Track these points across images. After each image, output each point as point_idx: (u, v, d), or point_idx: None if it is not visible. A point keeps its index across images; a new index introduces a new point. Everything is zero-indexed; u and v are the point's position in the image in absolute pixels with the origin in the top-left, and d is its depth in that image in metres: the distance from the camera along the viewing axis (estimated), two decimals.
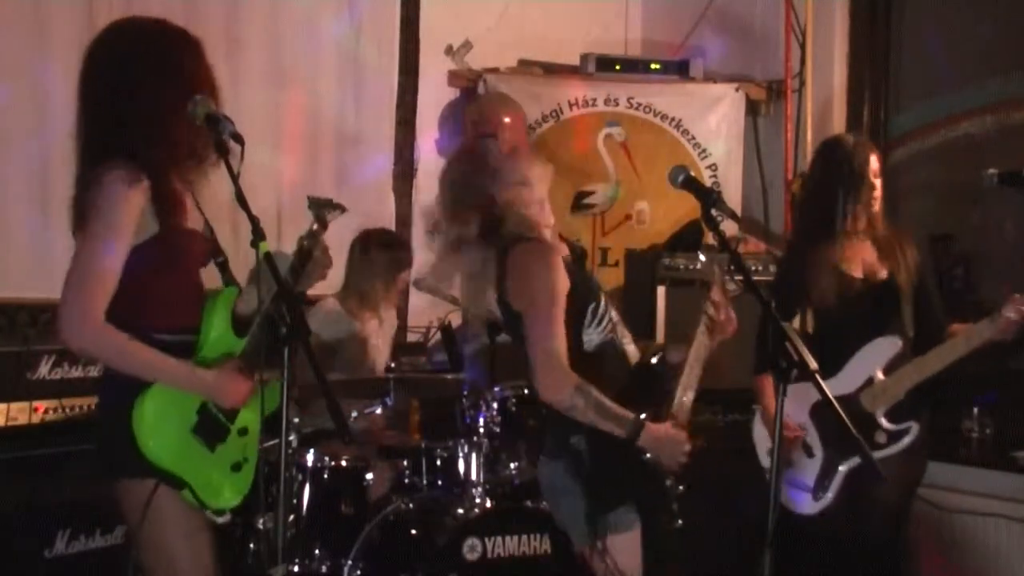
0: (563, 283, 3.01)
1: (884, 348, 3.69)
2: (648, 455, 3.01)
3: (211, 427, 2.84)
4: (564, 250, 3.16)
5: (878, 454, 3.59)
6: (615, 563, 3.00)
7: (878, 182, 3.79)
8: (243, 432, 2.91)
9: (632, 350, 3.15)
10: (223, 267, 3.01)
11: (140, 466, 2.74)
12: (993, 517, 4.46)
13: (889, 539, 3.77)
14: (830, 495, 3.70)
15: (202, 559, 2.85)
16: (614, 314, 3.13)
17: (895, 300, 3.74)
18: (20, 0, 4.56)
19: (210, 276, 3.01)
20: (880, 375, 3.67)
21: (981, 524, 4.49)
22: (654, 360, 3.18)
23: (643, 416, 2.98)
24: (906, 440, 3.65)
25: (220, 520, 2.87)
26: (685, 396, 3.10)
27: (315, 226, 3.03)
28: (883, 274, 3.77)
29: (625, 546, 3.03)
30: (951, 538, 4.55)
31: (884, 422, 3.65)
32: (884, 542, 3.75)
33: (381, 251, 4.82)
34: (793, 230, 4.12)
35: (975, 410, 4.81)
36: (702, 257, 3.25)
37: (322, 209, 3.03)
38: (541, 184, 3.16)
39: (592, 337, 3.06)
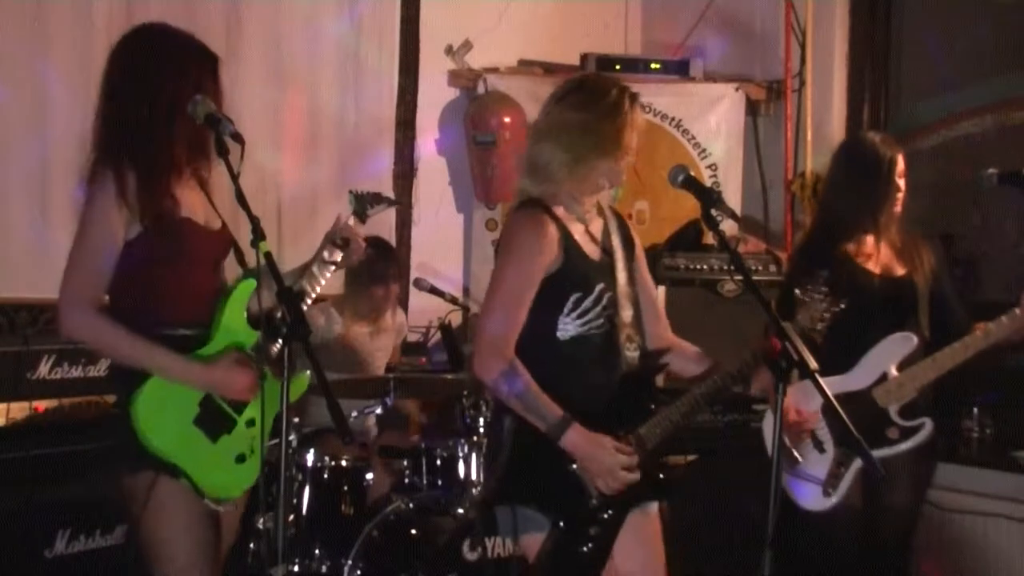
0: (539, 259, 2.90)
1: (899, 344, 3.64)
2: (575, 465, 2.86)
3: (214, 418, 2.85)
4: (579, 227, 3.00)
5: (890, 451, 3.58)
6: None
7: (902, 182, 3.75)
8: (251, 424, 2.91)
9: (633, 357, 3.01)
10: (240, 261, 3.03)
11: (140, 457, 2.77)
12: (993, 517, 4.46)
13: (898, 540, 3.77)
14: (841, 493, 3.65)
15: (202, 553, 2.85)
16: (625, 315, 3.01)
17: (912, 299, 3.71)
18: (20, 0, 4.55)
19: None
20: (894, 371, 3.64)
21: (981, 524, 4.50)
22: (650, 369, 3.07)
23: (621, 428, 2.87)
24: (919, 437, 3.62)
25: (220, 509, 2.87)
26: (661, 425, 2.96)
27: (351, 220, 3.07)
28: (901, 272, 3.74)
29: (531, 548, 2.90)
30: (951, 538, 4.55)
31: (897, 418, 3.63)
32: (893, 542, 3.75)
33: (361, 261, 4.74)
34: (808, 229, 4.10)
35: (975, 410, 4.81)
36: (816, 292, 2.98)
37: (364, 204, 3.09)
38: None
39: (568, 327, 2.93)
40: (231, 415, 2.88)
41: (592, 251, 3.02)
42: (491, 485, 3.00)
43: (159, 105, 2.83)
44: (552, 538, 2.86)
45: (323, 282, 3.10)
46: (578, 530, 2.88)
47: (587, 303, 2.94)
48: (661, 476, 3.01)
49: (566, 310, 2.93)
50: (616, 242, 3.10)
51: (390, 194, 5.74)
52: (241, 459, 2.91)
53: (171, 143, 2.83)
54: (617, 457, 2.86)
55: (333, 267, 3.11)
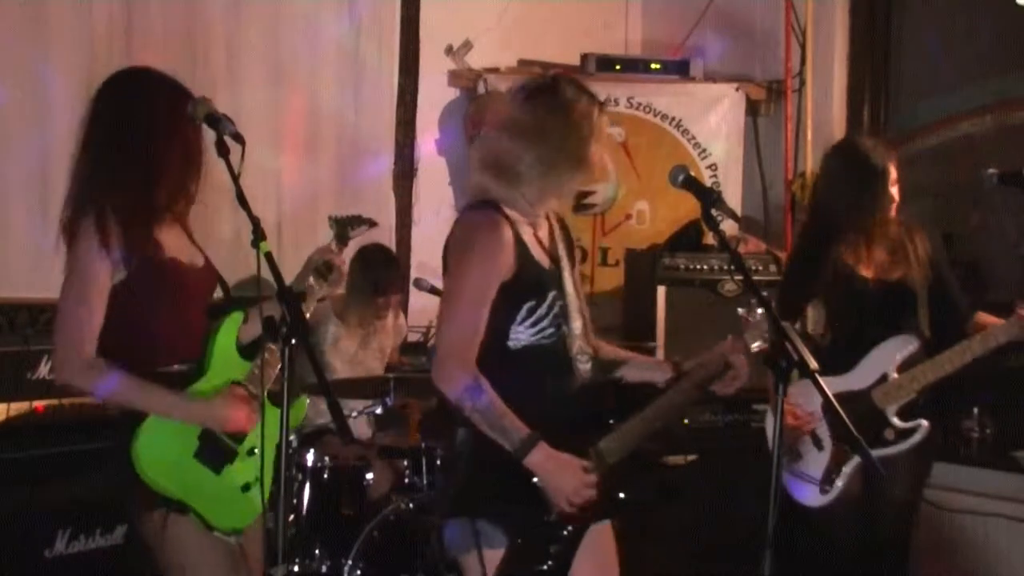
0: (500, 259, 2.77)
1: (900, 346, 3.65)
2: (536, 479, 2.74)
3: (215, 451, 2.85)
4: (529, 232, 2.88)
5: (886, 451, 3.58)
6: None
7: (895, 191, 3.75)
8: (252, 452, 2.91)
9: (586, 369, 2.88)
10: (226, 295, 3.05)
11: (148, 497, 2.77)
12: (993, 517, 4.46)
13: (897, 538, 3.77)
14: (837, 489, 3.67)
15: None
16: (576, 326, 2.88)
17: (909, 302, 3.71)
18: (20, 0, 4.55)
19: None
20: (894, 373, 3.64)
21: (981, 524, 4.50)
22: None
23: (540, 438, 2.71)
24: (915, 438, 3.62)
25: (232, 540, 2.87)
26: (622, 440, 2.84)
27: (333, 244, 3.06)
28: (896, 275, 3.73)
29: (488, 563, 2.76)
30: (951, 538, 4.55)
31: (895, 419, 3.63)
32: (892, 541, 3.75)
33: (364, 270, 4.77)
34: (802, 231, 4.08)
35: (975, 410, 4.81)
36: (757, 312, 2.87)
37: (345, 228, 3.07)
38: None
39: (520, 336, 2.80)
40: (231, 446, 2.88)
41: (542, 258, 2.90)
42: (449, 497, 2.90)
43: (158, 105, 2.83)
44: (510, 554, 2.76)
45: (311, 310, 3.09)
46: (537, 547, 2.79)
47: (540, 311, 2.82)
48: (621, 496, 2.88)
49: (519, 319, 2.80)
50: (561, 250, 2.98)
51: (390, 195, 5.79)
52: (247, 488, 2.91)
53: (170, 143, 2.82)
54: (582, 477, 2.77)
55: (319, 296, 3.10)
